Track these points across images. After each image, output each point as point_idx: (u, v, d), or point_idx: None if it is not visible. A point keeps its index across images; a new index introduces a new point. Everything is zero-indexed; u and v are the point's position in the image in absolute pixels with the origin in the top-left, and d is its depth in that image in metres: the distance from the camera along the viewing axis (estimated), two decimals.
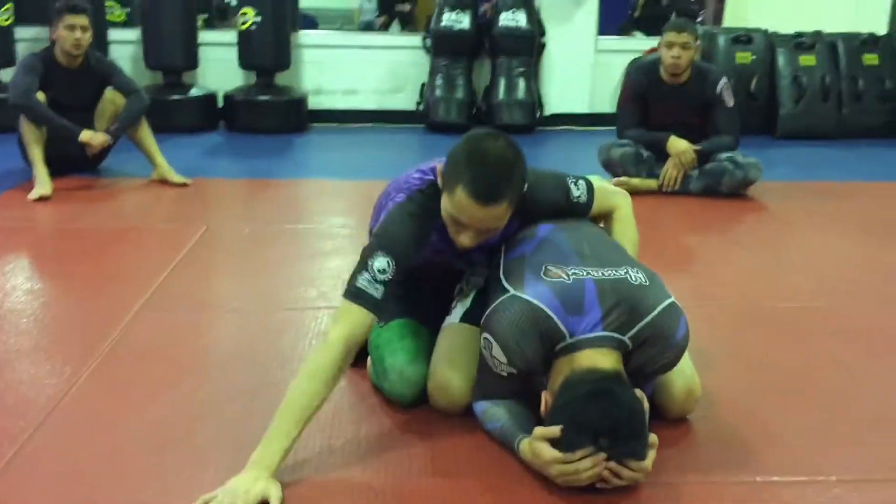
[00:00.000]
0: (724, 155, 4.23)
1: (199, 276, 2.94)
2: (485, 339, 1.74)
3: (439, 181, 1.79)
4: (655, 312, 1.70)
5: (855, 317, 2.68)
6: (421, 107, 6.28)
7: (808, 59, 6.09)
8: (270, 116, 6.01)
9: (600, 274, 1.72)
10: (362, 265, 1.76)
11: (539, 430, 1.65)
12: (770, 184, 4.31)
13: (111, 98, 4.34)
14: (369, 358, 2.07)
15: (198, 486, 1.63)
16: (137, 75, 6.10)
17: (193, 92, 6.05)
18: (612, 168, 4.32)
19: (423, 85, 6.32)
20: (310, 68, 6.38)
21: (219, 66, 6.20)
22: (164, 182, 4.36)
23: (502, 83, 6.17)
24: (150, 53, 5.96)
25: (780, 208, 4.12)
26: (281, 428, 1.63)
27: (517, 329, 1.67)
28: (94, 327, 2.44)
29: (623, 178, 4.24)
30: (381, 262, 1.74)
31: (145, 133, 4.39)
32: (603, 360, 1.65)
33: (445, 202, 1.74)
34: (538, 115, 6.24)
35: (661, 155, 4.27)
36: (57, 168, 4.25)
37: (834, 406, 2.09)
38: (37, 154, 4.09)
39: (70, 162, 4.31)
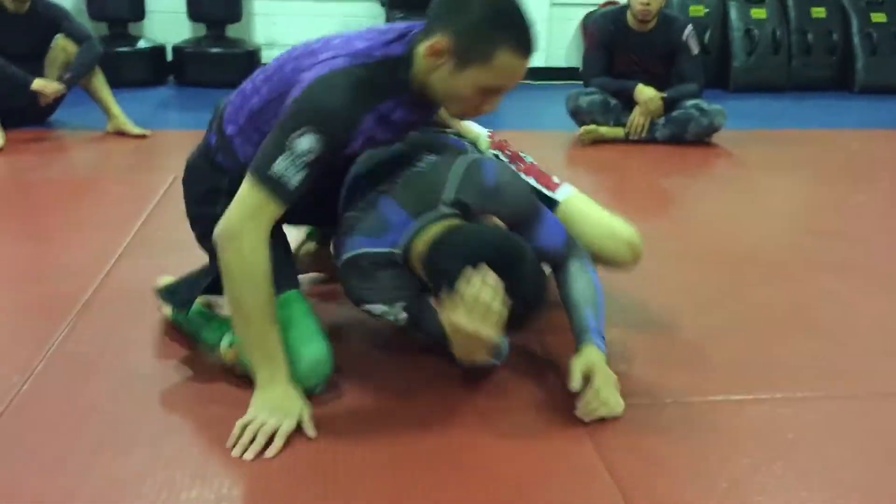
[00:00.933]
0: (690, 102, 4.27)
1: (179, 221, 2.83)
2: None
3: (434, 61, 1.55)
4: (451, 177, 1.67)
5: (838, 252, 2.75)
6: None
7: (759, 13, 6.17)
8: (222, 69, 5.81)
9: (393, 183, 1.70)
10: (281, 143, 1.50)
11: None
12: (731, 132, 4.38)
13: (62, 45, 4.15)
14: (228, 344, 1.73)
15: (204, 419, 1.62)
16: None
17: (141, 44, 5.82)
18: (579, 116, 4.33)
19: None
20: (261, 20, 6.20)
21: (166, 18, 5.98)
22: (120, 134, 4.20)
23: None
24: (93, 3, 5.69)
25: (744, 154, 4.18)
26: (272, 339, 1.57)
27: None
28: (76, 275, 2.34)
29: (591, 126, 4.25)
30: (307, 141, 1.49)
31: (100, 82, 4.21)
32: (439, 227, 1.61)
33: (476, 76, 1.53)
34: None
35: (628, 103, 4.29)
36: (6, 119, 4.07)
37: (836, 333, 2.15)
38: None
39: (18, 113, 4.11)
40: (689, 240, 2.88)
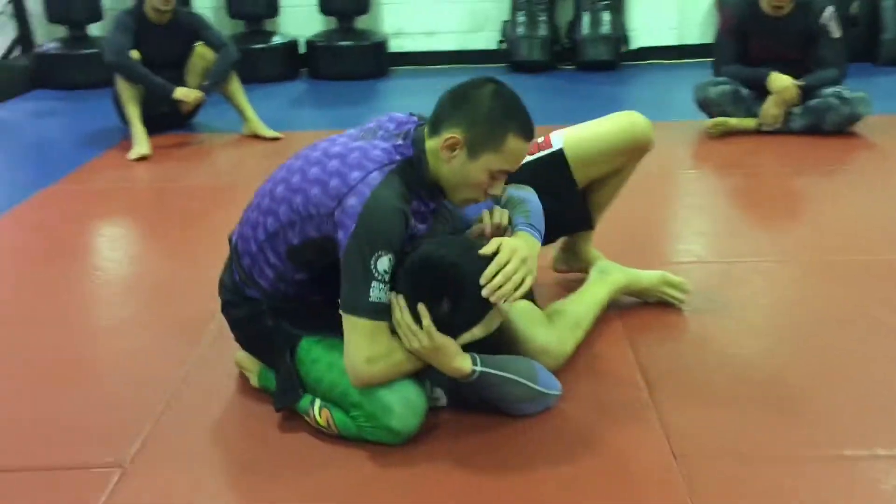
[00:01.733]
0: (829, 90, 4.03)
1: None
2: None
3: (448, 156, 1.69)
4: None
5: None
6: (503, 46, 6.16)
7: None
8: (352, 62, 5.98)
9: None
10: (366, 273, 1.63)
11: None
12: (877, 118, 4.11)
13: (201, 53, 4.38)
14: (319, 408, 1.77)
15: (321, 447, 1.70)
16: (220, 25, 6.15)
17: (276, 40, 6.05)
18: (708, 108, 4.18)
19: (504, 23, 6.18)
20: (389, 10, 6.30)
21: (299, 13, 6.18)
22: (255, 136, 4.41)
23: (586, 18, 5.99)
24: (232, 2, 5.96)
25: (890, 145, 3.92)
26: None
27: None
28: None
29: (720, 119, 4.10)
30: (384, 262, 1.64)
31: (236, 87, 4.42)
32: None
33: (488, 162, 1.69)
34: (623, 49, 6.06)
35: (761, 92, 4.10)
36: (150, 126, 4.35)
37: None
38: (134, 113, 4.17)
39: (162, 119, 4.38)
40: (820, 249, 2.75)
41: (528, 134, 1.73)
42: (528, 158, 2.11)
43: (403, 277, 1.67)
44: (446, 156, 1.69)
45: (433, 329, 1.67)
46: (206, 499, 1.62)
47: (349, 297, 1.66)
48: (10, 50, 6.19)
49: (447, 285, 1.67)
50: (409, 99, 5.53)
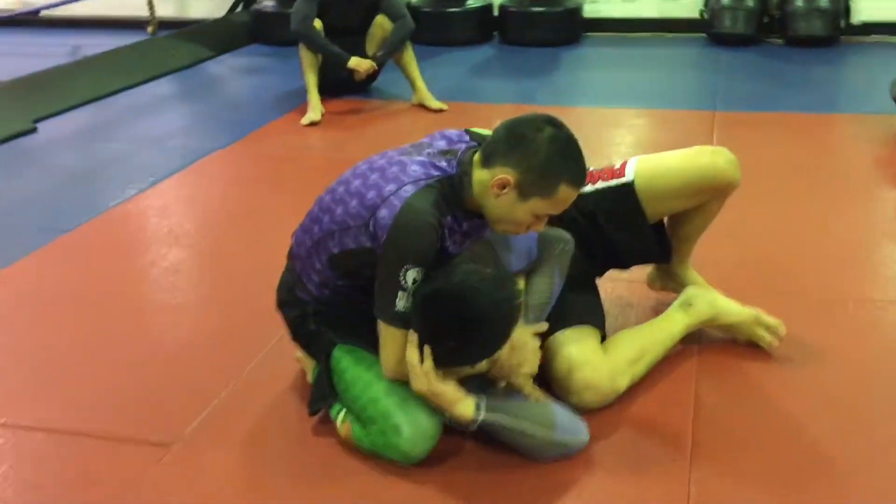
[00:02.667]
0: None
1: None
2: None
3: (498, 193, 1.69)
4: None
5: None
6: (705, 15, 5.78)
7: None
8: (544, 28, 5.89)
9: None
10: (395, 283, 1.67)
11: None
12: None
13: (380, 23, 4.52)
14: (342, 419, 1.85)
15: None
16: None
17: (470, 3, 6.08)
18: None
19: None
20: None
21: None
22: (422, 106, 4.52)
23: None
24: None
25: None
26: None
27: None
28: None
29: None
30: (412, 274, 1.67)
31: (409, 57, 4.53)
32: None
33: (536, 206, 1.70)
34: (843, 24, 5.47)
35: None
36: (332, 90, 4.61)
37: None
38: (311, 80, 4.41)
39: (341, 84, 4.59)
40: None
41: (580, 183, 1.73)
42: (600, 185, 2.08)
43: (414, 312, 1.69)
44: (495, 192, 1.70)
45: (432, 374, 1.69)
46: (230, 494, 1.77)
47: (380, 303, 1.73)
48: (234, 6, 6.73)
49: (455, 321, 1.66)
50: (600, 70, 5.38)
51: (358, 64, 4.38)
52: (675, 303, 2.20)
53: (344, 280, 1.85)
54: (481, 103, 4.68)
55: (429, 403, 1.73)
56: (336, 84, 4.59)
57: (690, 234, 2.20)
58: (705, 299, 2.18)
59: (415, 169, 1.73)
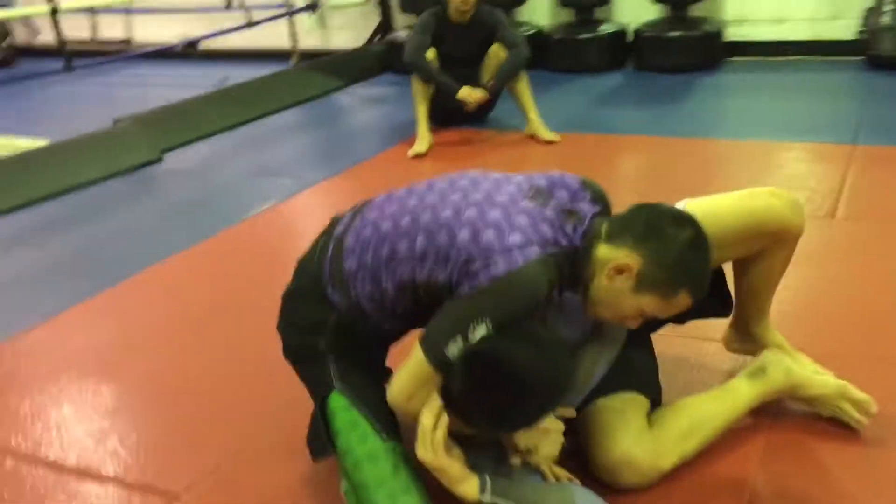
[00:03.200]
0: None
1: None
2: None
3: (614, 276, 1.55)
4: None
5: None
6: (863, 36, 5.26)
7: None
8: (680, 53, 5.57)
9: None
10: (462, 326, 1.48)
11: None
12: None
13: (495, 52, 4.41)
14: (343, 481, 1.66)
15: None
16: (549, 15, 6.16)
17: (603, 29, 5.85)
18: None
19: (867, 10, 5.27)
20: None
21: (633, 0, 5.90)
22: (534, 137, 4.36)
23: None
24: None
25: None
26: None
27: None
28: None
29: None
30: (484, 329, 1.48)
31: (523, 87, 4.39)
32: None
33: (649, 303, 1.57)
34: None
35: None
36: (445, 120, 4.56)
37: None
38: (420, 111, 4.37)
39: (456, 114, 4.52)
40: None
41: (699, 294, 1.60)
42: None
43: (460, 362, 1.50)
44: (610, 274, 1.56)
45: (441, 445, 1.52)
46: None
47: (431, 335, 1.53)
48: (373, 36, 6.85)
49: (500, 378, 1.47)
50: (738, 98, 5.01)
51: (468, 94, 4.29)
52: (747, 369, 1.93)
53: (399, 305, 1.65)
54: (604, 133, 4.45)
55: (433, 473, 1.57)
56: (449, 114, 4.53)
57: (757, 288, 1.93)
58: (781, 367, 1.90)
59: (545, 230, 1.55)
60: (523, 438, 1.62)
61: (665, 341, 2.02)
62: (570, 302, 1.72)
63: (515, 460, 1.64)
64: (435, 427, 1.53)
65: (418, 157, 4.22)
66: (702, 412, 1.82)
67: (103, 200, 3.94)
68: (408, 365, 1.58)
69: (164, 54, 7.34)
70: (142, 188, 4.16)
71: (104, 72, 7.04)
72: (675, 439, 1.76)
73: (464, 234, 1.53)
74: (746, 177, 3.60)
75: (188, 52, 7.59)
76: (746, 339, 2.08)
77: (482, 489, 1.54)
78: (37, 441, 2.08)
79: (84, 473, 1.95)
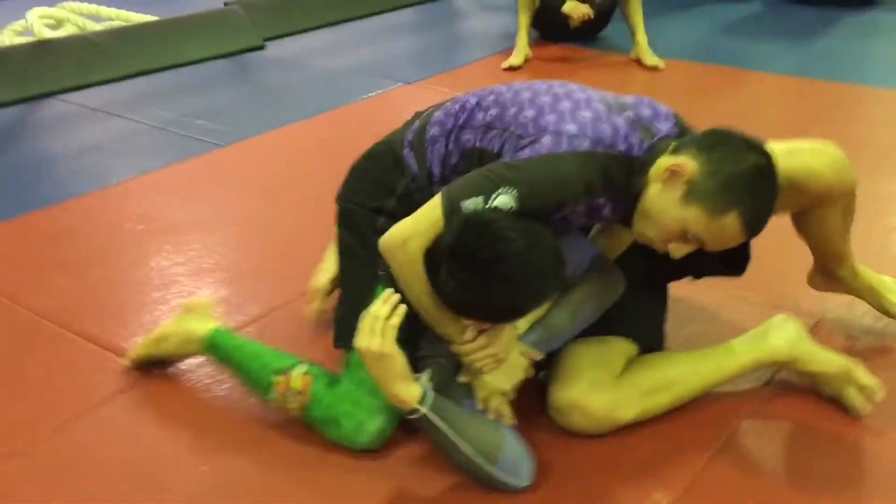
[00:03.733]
0: None
1: None
2: None
3: (668, 180, 1.47)
4: None
5: None
6: None
7: None
8: None
9: None
10: (484, 187, 1.46)
11: None
12: None
13: None
14: (303, 372, 1.65)
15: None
16: None
17: None
18: None
19: None
20: None
21: None
22: (638, 61, 4.12)
23: None
24: None
25: None
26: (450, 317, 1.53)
27: None
28: None
29: None
30: (504, 200, 1.45)
31: (635, 7, 4.15)
32: None
33: (696, 217, 1.46)
34: None
35: None
36: (553, 34, 4.38)
37: None
38: (522, 21, 4.20)
39: (566, 29, 4.31)
40: None
41: (752, 227, 1.48)
42: None
43: (449, 226, 1.45)
44: (665, 177, 1.48)
45: (392, 332, 1.45)
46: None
47: (457, 183, 1.52)
48: None
49: (481, 254, 1.41)
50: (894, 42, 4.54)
51: (573, 9, 4.09)
52: (753, 330, 1.79)
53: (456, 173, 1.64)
54: (719, 65, 4.14)
55: (369, 369, 1.48)
56: (557, 29, 4.35)
57: (821, 242, 1.80)
58: (784, 335, 1.75)
59: (605, 129, 1.52)
60: (480, 360, 1.55)
61: (682, 290, 1.90)
62: (581, 249, 1.65)
63: (464, 378, 1.58)
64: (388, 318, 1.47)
65: (511, 69, 4.08)
66: (679, 369, 1.71)
67: (201, 79, 4.05)
68: (418, 210, 1.52)
69: None
70: (239, 71, 4.25)
71: None
72: (640, 392, 1.66)
73: (529, 113, 1.56)
74: (885, 132, 3.27)
75: None
76: (831, 280, 1.94)
77: (423, 399, 1.48)
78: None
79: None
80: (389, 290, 1.51)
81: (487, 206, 1.45)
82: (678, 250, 1.51)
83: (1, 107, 3.59)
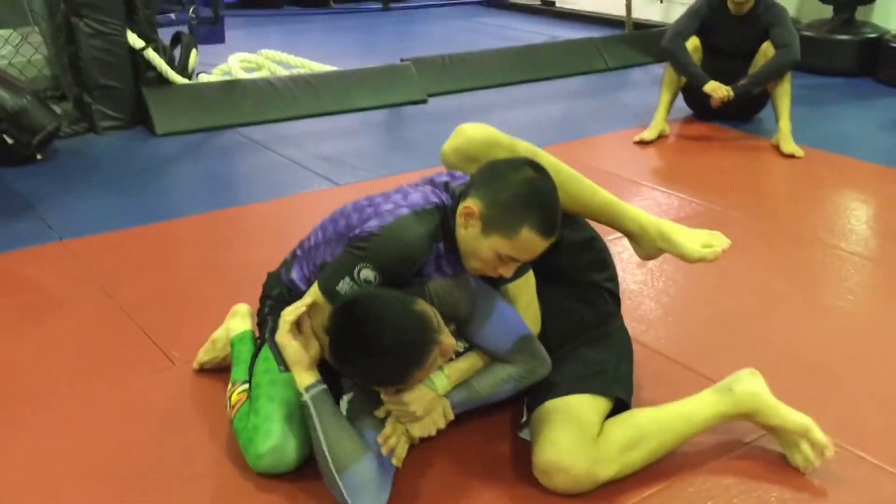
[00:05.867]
0: None
1: None
2: None
3: (464, 223, 1.69)
4: None
5: None
6: None
7: None
8: None
9: None
10: (347, 269, 1.67)
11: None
12: None
13: (764, 50, 4.18)
14: (242, 390, 1.85)
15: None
16: (803, 10, 5.58)
17: (863, 32, 5.27)
18: None
19: None
20: None
21: None
22: (777, 148, 4.04)
23: None
24: None
25: None
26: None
27: None
28: None
29: None
30: (367, 274, 1.66)
31: (783, 91, 4.10)
32: None
33: (496, 243, 1.67)
34: None
35: None
36: (704, 111, 4.40)
37: None
38: (663, 99, 4.27)
39: (713, 109, 4.30)
40: None
41: (546, 231, 1.67)
42: None
43: (338, 303, 1.65)
44: (462, 222, 1.70)
45: (286, 325, 1.69)
46: None
47: (328, 271, 1.72)
48: None
49: (355, 335, 1.58)
50: None
51: (714, 90, 4.10)
52: (719, 383, 1.85)
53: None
54: (868, 161, 3.95)
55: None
56: (705, 107, 4.34)
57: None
58: (751, 387, 1.82)
59: (415, 197, 1.75)
60: (402, 414, 1.68)
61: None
62: (503, 321, 1.77)
63: (380, 412, 1.72)
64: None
65: (642, 143, 4.16)
66: (652, 424, 1.77)
67: (354, 126, 4.50)
68: (309, 292, 1.76)
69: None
70: (394, 121, 4.66)
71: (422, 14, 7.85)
72: (617, 449, 1.71)
73: (354, 217, 1.77)
74: None
75: (543, 9, 8.07)
76: (637, 244, 2.02)
77: (310, 388, 1.67)
78: None
79: None
80: (306, 299, 1.74)
81: (356, 283, 1.65)
82: (506, 272, 1.70)
83: (189, 133, 4.25)
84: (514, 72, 5.40)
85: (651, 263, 2.66)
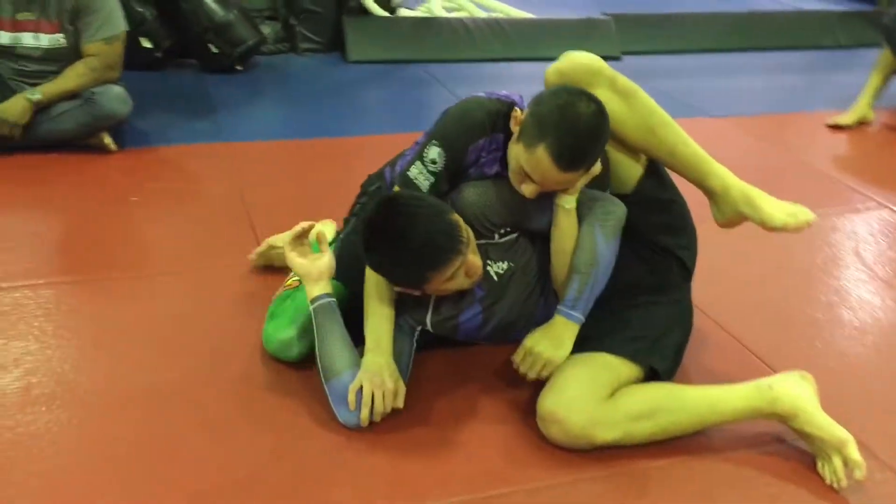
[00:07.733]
0: None
1: None
2: None
3: (513, 125, 1.74)
4: None
5: None
6: None
7: None
8: None
9: None
10: (419, 152, 1.78)
11: None
12: None
13: None
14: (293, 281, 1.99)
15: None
16: None
17: None
18: None
19: None
20: None
21: None
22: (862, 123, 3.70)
23: None
24: None
25: None
26: (380, 312, 1.77)
27: None
28: None
29: None
30: (434, 152, 1.75)
31: None
32: None
33: (519, 153, 1.69)
34: None
35: None
36: None
37: None
38: (872, 82, 3.89)
39: None
40: None
41: (559, 158, 1.64)
42: None
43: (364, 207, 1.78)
44: (512, 124, 1.75)
45: (289, 237, 1.82)
46: None
47: (402, 161, 1.87)
48: None
49: (383, 226, 1.64)
50: None
51: None
52: (764, 378, 1.73)
53: None
54: None
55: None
56: None
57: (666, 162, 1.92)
58: (795, 389, 1.69)
59: (481, 95, 1.84)
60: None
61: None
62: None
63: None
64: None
65: (836, 127, 3.80)
66: (670, 400, 1.70)
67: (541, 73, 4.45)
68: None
69: None
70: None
71: None
72: (624, 415, 1.66)
73: None
74: None
75: None
76: (717, 207, 1.91)
77: (315, 300, 1.78)
78: None
79: None
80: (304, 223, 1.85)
81: (424, 162, 1.74)
82: (527, 190, 1.71)
83: (378, 63, 4.44)
84: (723, 38, 5.11)
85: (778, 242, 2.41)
